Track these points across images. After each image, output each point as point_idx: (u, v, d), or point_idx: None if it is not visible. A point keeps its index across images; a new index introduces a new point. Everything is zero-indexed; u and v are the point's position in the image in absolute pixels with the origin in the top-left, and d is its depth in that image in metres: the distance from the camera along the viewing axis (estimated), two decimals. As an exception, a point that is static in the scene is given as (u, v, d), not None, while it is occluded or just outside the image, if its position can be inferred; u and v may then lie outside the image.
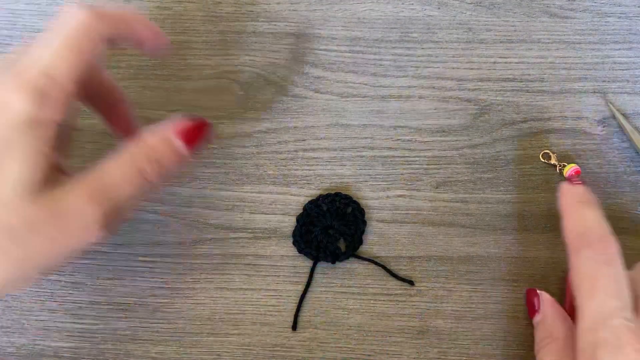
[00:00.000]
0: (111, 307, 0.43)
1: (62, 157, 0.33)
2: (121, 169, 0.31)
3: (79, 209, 0.28)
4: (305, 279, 0.42)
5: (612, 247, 0.32)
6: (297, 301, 0.42)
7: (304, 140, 0.46)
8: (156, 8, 0.52)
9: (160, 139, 0.32)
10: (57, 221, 0.28)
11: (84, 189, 0.29)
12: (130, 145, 0.32)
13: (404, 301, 0.42)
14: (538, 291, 0.39)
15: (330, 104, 0.47)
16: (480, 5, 0.50)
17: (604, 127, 0.46)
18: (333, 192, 0.43)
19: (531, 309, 0.39)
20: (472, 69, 0.48)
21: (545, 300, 0.38)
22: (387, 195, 0.45)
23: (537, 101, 0.47)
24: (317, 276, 0.42)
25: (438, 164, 0.46)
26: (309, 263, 0.42)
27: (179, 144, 0.32)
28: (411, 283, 0.41)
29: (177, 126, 0.32)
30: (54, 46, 0.29)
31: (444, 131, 0.46)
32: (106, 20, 0.31)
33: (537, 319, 0.38)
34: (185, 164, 0.33)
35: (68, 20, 0.30)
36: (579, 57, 0.48)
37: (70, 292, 0.43)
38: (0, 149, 0.27)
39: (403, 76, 0.48)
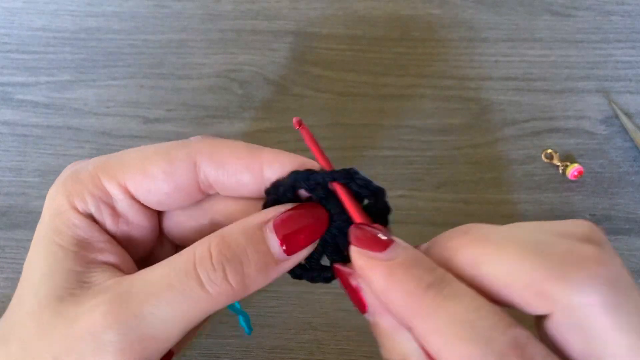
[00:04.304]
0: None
1: None
2: (162, 273, 0.23)
3: (90, 328, 0.22)
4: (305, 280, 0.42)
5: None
6: (297, 302, 0.41)
7: (304, 139, 0.46)
8: (155, 6, 0.51)
9: (243, 229, 0.24)
10: (65, 342, 0.23)
11: (100, 303, 0.23)
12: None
13: (405, 302, 0.41)
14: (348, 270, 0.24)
15: (331, 103, 0.47)
16: (482, 4, 0.50)
17: (606, 126, 0.46)
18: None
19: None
20: (473, 67, 0.48)
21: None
22: (388, 195, 0.44)
23: (540, 100, 0.47)
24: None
25: (439, 164, 0.45)
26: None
27: (276, 243, 0.23)
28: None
29: (276, 213, 0.24)
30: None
31: (445, 130, 0.46)
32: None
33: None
34: (278, 274, 0.24)
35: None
36: (581, 56, 0.48)
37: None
38: None
39: (404, 75, 0.48)
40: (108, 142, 0.46)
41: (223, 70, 0.48)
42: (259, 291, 0.41)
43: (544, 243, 0.20)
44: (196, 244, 0.24)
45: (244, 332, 0.41)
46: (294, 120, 0.26)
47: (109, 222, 0.26)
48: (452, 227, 0.46)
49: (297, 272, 0.26)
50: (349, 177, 0.24)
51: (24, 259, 0.27)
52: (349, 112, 0.46)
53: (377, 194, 0.25)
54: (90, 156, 0.46)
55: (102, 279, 0.24)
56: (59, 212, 0.25)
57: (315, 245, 0.24)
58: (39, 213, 0.27)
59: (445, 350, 0.19)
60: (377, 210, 0.25)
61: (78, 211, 0.25)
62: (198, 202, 0.27)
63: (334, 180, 0.24)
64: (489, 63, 0.48)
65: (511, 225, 0.22)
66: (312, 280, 0.26)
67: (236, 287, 0.23)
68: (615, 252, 0.20)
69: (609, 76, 0.47)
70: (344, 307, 0.42)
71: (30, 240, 0.27)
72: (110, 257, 0.25)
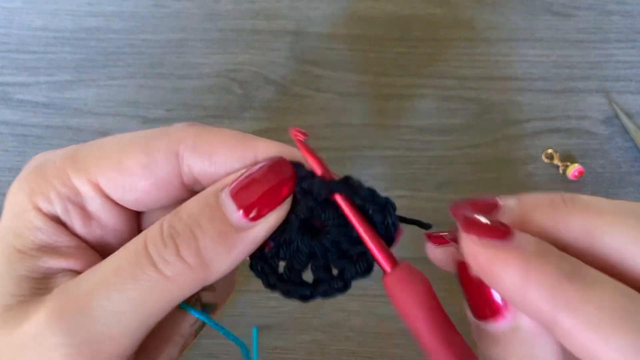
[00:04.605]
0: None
1: None
2: (112, 260, 0.20)
3: (33, 333, 0.19)
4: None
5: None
6: (297, 302, 0.41)
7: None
8: (154, 6, 0.51)
9: (197, 199, 0.21)
10: (8, 352, 0.20)
11: (45, 306, 0.20)
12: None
13: (405, 303, 0.41)
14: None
15: (331, 103, 0.47)
16: (482, 4, 0.49)
17: (607, 126, 0.46)
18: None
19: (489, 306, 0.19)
20: (474, 67, 0.48)
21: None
22: (388, 196, 0.44)
23: (540, 100, 0.47)
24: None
25: (440, 164, 0.45)
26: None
27: (233, 207, 0.20)
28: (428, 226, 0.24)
29: (235, 177, 0.21)
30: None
31: (445, 131, 0.46)
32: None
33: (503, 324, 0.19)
34: (245, 247, 0.20)
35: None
36: (582, 56, 0.48)
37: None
38: None
39: (404, 75, 0.47)
40: (108, 142, 0.46)
41: (223, 70, 0.48)
42: (259, 291, 0.41)
43: None
44: (139, 235, 0.21)
45: (243, 332, 0.41)
46: (293, 130, 0.22)
47: (78, 224, 0.22)
48: (452, 227, 0.46)
49: (272, 281, 0.21)
50: (351, 189, 0.21)
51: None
52: (349, 112, 0.46)
53: (386, 207, 0.21)
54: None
55: (56, 283, 0.21)
56: (20, 212, 0.22)
57: (286, 210, 0.21)
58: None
59: (603, 344, 0.16)
60: (384, 226, 0.21)
61: (41, 212, 0.22)
62: (181, 200, 0.22)
63: (334, 192, 0.21)
64: (489, 63, 0.48)
65: (618, 201, 0.20)
66: (287, 294, 0.21)
67: (193, 264, 0.19)
68: None
69: (609, 76, 0.47)
70: (344, 308, 0.42)
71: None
72: (76, 264, 0.21)
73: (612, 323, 0.16)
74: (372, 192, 0.21)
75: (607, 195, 0.44)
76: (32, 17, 0.51)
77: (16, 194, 0.22)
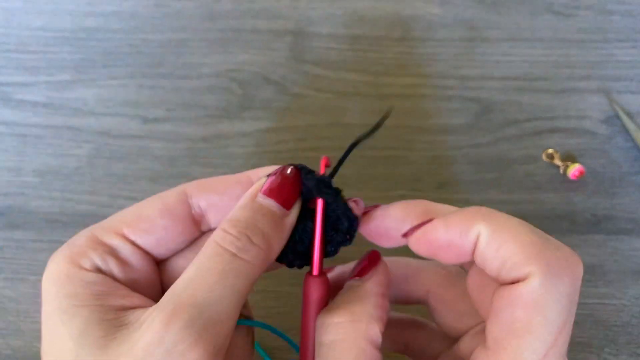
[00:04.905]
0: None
1: None
2: (194, 269, 0.24)
3: (153, 338, 0.22)
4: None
5: None
6: (297, 302, 0.41)
7: (304, 139, 0.46)
8: (154, 6, 0.51)
9: (239, 208, 0.26)
10: None
11: (158, 315, 0.23)
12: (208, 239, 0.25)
13: (406, 303, 0.41)
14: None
15: (331, 102, 0.47)
16: (483, 3, 0.49)
17: (607, 126, 0.46)
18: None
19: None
20: (474, 67, 0.48)
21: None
22: (388, 196, 0.44)
23: (541, 100, 0.47)
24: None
25: (440, 164, 0.45)
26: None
27: (273, 202, 0.26)
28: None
29: (258, 186, 0.27)
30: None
31: (446, 130, 0.46)
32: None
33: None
34: (290, 228, 0.27)
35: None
36: (582, 56, 0.48)
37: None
38: None
39: (404, 75, 0.47)
40: (107, 142, 0.46)
41: (223, 70, 0.48)
42: (259, 291, 0.41)
43: (538, 232, 0.23)
44: (205, 245, 0.25)
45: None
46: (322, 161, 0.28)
47: (117, 270, 0.26)
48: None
49: (291, 259, 0.28)
50: (335, 199, 0.27)
51: (23, 259, 0.26)
52: (349, 112, 0.46)
53: (352, 224, 0.27)
54: (89, 156, 0.46)
55: (139, 316, 0.23)
56: (67, 278, 0.24)
57: (300, 197, 0.27)
58: (38, 213, 0.26)
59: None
60: (342, 235, 0.27)
61: (87, 269, 0.25)
62: (195, 243, 0.28)
63: (323, 197, 0.26)
64: (489, 63, 0.48)
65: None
66: (301, 265, 0.28)
67: (264, 247, 0.25)
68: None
69: (610, 76, 0.47)
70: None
71: (30, 240, 0.26)
72: (136, 300, 0.25)
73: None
74: (346, 209, 0.27)
75: (608, 194, 0.44)
76: (32, 17, 0.51)
77: (56, 268, 0.25)
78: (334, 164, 0.27)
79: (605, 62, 0.48)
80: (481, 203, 0.44)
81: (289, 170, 0.27)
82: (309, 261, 0.28)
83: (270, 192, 0.26)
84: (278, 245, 0.26)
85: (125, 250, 0.26)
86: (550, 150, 0.45)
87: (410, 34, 0.48)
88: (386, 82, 0.47)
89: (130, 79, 0.48)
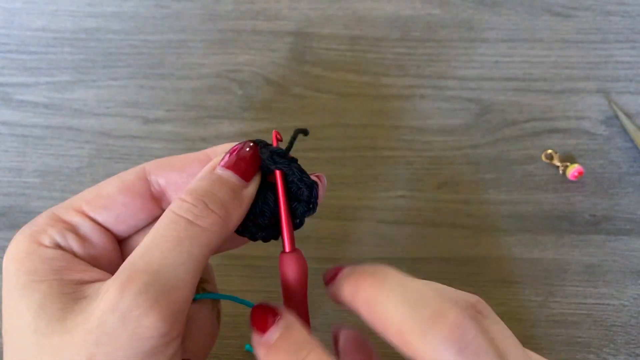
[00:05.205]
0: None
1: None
2: (151, 237, 0.24)
3: (109, 305, 0.22)
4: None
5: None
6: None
7: (304, 139, 0.46)
8: (155, 6, 0.51)
9: (199, 178, 0.26)
10: (89, 334, 0.22)
11: (113, 284, 0.23)
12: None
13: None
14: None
15: (331, 103, 0.47)
16: (482, 4, 0.49)
17: (607, 127, 0.46)
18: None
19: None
20: (474, 68, 0.48)
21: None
22: (388, 196, 0.44)
23: (540, 101, 0.47)
24: (314, 277, 0.42)
25: (440, 164, 0.45)
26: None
27: (231, 173, 0.26)
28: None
29: (218, 159, 0.27)
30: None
31: (445, 131, 0.46)
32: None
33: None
34: (249, 199, 0.27)
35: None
36: (581, 56, 0.48)
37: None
38: None
39: (404, 75, 0.48)
40: (108, 142, 0.46)
41: (223, 70, 0.48)
42: (259, 291, 0.41)
43: (423, 300, 0.22)
44: (162, 216, 0.25)
45: (243, 332, 0.41)
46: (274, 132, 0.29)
47: (76, 247, 0.26)
48: (452, 227, 0.46)
49: (254, 231, 0.28)
50: (289, 167, 0.27)
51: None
52: (349, 113, 0.46)
53: (312, 191, 0.27)
54: (90, 156, 0.46)
55: (97, 288, 0.23)
56: (27, 255, 0.25)
57: (259, 170, 0.27)
58: (39, 213, 0.26)
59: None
60: (305, 205, 0.27)
61: (46, 246, 0.25)
62: (155, 218, 0.28)
63: (277, 167, 0.27)
64: (489, 63, 0.48)
65: (419, 280, 0.24)
66: (266, 238, 0.29)
67: (221, 213, 0.25)
68: (494, 320, 0.24)
69: (609, 76, 0.47)
70: (344, 308, 0.42)
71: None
72: (95, 275, 0.25)
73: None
74: (302, 173, 0.27)
75: (607, 195, 0.44)
76: (32, 18, 0.51)
77: (16, 247, 0.25)
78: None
79: (605, 62, 0.48)
80: (480, 203, 0.44)
81: (247, 145, 0.27)
82: (272, 234, 0.28)
83: (229, 165, 0.26)
84: (236, 215, 0.26)
85: (85, 227, 0.26)
86: (549, 151, 0.45)
87: (410, 35, 0.49)
88: (386, 83, 0.47)
89: (131, 79, 0.48)
